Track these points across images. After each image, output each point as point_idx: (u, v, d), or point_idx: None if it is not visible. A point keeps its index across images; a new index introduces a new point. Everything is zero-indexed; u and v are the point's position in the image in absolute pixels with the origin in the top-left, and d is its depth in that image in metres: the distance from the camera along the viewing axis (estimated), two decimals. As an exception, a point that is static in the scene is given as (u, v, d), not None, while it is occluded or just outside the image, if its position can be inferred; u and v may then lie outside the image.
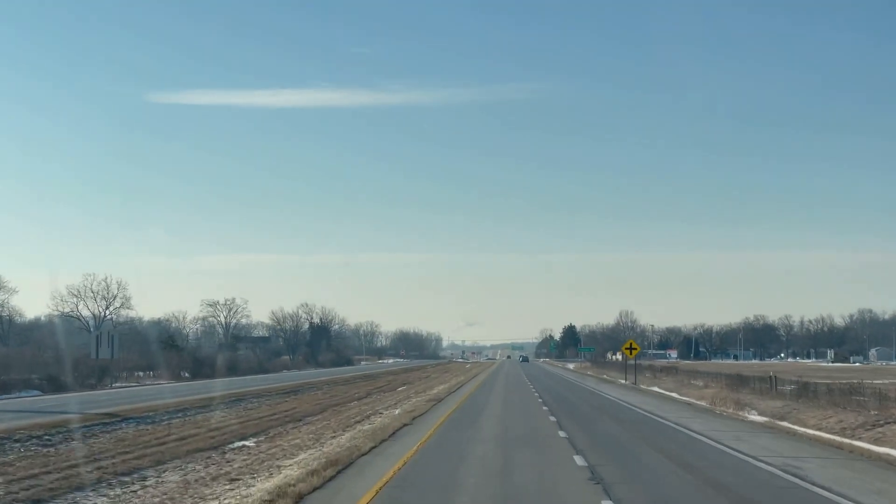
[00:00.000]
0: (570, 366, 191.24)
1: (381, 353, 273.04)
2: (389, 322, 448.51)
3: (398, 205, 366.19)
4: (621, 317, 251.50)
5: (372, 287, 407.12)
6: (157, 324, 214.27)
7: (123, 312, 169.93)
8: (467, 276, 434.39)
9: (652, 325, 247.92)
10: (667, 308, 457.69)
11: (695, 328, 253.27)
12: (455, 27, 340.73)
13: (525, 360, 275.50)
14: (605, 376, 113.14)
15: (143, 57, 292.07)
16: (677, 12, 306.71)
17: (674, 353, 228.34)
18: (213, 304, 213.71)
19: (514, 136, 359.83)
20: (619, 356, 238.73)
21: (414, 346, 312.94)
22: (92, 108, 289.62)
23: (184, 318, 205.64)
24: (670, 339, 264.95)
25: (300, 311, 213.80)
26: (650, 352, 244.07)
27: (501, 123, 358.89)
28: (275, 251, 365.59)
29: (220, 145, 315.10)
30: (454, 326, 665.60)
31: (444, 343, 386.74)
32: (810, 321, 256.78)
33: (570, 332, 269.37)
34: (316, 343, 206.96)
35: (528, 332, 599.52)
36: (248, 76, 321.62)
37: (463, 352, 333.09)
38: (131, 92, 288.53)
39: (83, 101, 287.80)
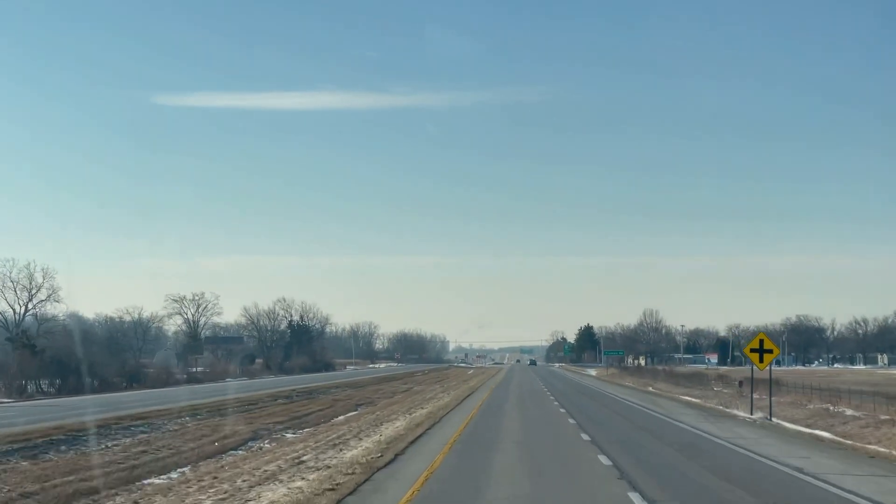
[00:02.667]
0: (592, 372, 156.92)
1: (374, 356, 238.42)
2: (396, 325, 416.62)
3: (405, 207, 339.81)
4: (645, 316, 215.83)
5: (377, 290, 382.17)
6: (106, 322, 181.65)
7: (51, 307, 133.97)
8: (475, 279, 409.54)
9: (682, 326, 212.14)
10: (687, 310, 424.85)
11: (729, 329, 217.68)
12: (462, 29, 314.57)
13: (533, 363, 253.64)
14: (651, 389, 79.01)
15: (149, 59, 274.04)
16: (691, 12, 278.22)
17: (713, 358, 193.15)
18: (179, 300, 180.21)
19: (522, 137, 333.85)
20: (642, 360, 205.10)
21: (414, 349, 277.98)
22: (98, 111, 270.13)
23: (139, 314, 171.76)
24: (699, 342, 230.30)
25: (277, 308, 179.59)
26: (678, 356, 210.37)
27: (509, 125, 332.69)
28: (278, 254, 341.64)
29: (225, 148, 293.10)
30: (461, 329, 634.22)
31: (451, 346, 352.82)
32: (847, 324, 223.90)
33: (586, 333, 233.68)
34: (296, 344, 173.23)
35: (537, 334, 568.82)
36: (253, 79, 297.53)
37: (466, 355, 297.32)
38: (138, 95, 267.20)
39: (89, 104, 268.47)
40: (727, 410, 43.00)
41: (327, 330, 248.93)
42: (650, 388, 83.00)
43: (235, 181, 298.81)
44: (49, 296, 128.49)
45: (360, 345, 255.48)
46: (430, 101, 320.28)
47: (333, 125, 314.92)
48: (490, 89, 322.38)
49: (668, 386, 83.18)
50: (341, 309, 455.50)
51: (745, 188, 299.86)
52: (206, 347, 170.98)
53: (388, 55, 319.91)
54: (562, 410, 39.24)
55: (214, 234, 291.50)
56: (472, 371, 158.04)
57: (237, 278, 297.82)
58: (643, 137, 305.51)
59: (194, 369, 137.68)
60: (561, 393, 60.11)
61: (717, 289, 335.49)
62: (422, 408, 45.68)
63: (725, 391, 73.73)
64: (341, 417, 45.41)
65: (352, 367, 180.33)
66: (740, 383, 76.15)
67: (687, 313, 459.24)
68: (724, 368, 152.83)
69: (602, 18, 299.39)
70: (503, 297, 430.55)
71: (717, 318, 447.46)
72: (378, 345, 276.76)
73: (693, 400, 58.08)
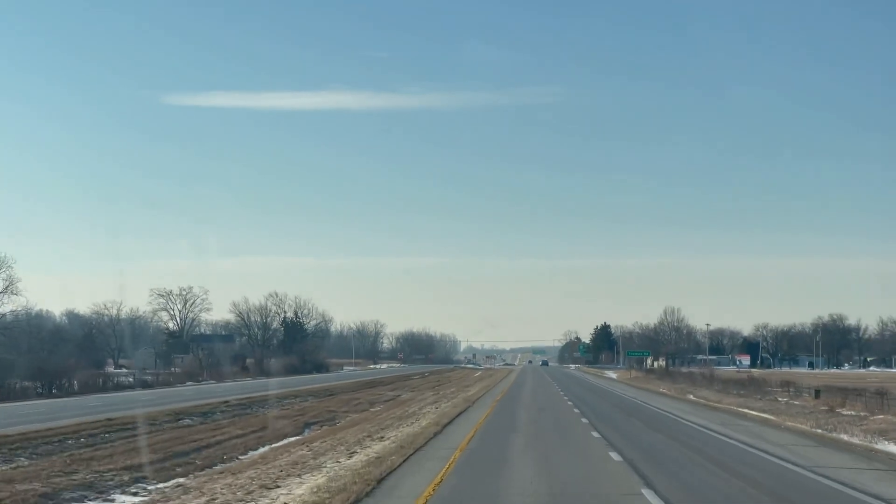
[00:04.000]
0: (612, 374, 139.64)
1: (376, 356, 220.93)
2: (406, 325, 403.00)
3: (414, 208, 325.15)
4: (665, 315, 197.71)
5: (389, 291, 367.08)
6: (85, 318, 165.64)
7: (9, 300, 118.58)
8: (485, 280, 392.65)
9: (708, 325, 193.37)
10: (706, 310, 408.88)
11: (757, 329, 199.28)
12: (474, 29, 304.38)
13: (545, 364, 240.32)
14: (692, 397, 62.42)
15: (159, 59, 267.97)
16: (704, 12, 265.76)
17: (745, 359, 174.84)
18: (166, 295, 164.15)
19: (536, 139, 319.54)
20: (662, 361, 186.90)
21: (422, 349, 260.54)
22: (107, 111, 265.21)
23: (118, 310, 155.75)
24: (722, 343, 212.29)
25: (269, 304, 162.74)
26: (701, 357, 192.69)
27: (524, 127, 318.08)
28: (287, 254, 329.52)
29: (234, 147, 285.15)
30: (473, 330, 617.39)
31: (463, 346, 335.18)
32: (874, 324, 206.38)
33: (603, 333, 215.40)
34: (289, 343, 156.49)
35: (550, 334, 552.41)
36: (264, 78, 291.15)
37: (474, 355, 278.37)
38: (148, 94, 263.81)
39: (98, 104, 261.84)
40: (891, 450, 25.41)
41: (332, 329, 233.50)
42: (691, 397, 66.24)
43: (245, 180, 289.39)
44: (6, 287, 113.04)
45: (367, 344, 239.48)
46: (440, 103, 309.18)
47: (341, 125, 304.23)
48: (503, 91, 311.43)
49: (714, 394, 66.07)
50: (350, 310, 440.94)
51: (763, 189, 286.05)
52: (193, 346, 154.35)
53: (398, 56, 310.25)
54: (614, 457, 21.28)
55: (220, 234, 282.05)
56: (479, 373, 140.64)
57: (243, 279, 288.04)
58: (662, 141, 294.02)
59: (174, 370, 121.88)
60: (593, 409, 42.57)
61: (736, 288, 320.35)
62: (382, 439, 28.64)
63: (795, 403, 56.53)
64: (258, 452, 28.64)
65: (350, 368, 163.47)
66: (817, 393, 58.80)
67: (706, 313, 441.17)
68: (756, 371, 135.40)
69: (615, 22, 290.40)
70: (515, 298, 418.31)
71: (738, 318, 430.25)
72: (386, 344, 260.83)
73: (769, 418, 40.95)
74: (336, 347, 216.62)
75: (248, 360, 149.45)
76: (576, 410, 38.89)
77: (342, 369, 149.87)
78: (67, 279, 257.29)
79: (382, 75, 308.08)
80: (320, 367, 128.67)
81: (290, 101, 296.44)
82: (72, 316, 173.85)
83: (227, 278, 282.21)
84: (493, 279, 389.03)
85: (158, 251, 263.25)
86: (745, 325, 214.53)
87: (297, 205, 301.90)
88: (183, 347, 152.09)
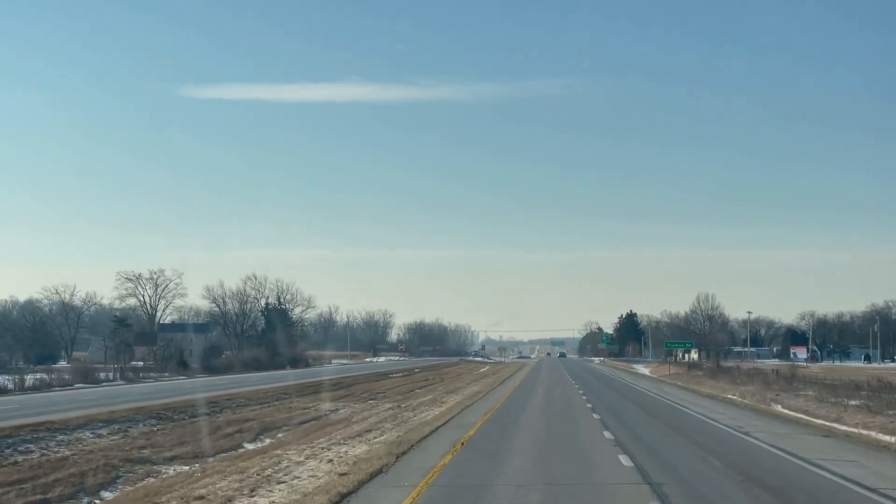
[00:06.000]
0: (643, 370, 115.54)
1: (376, 348, 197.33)
2: (420, 317, 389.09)
3: (428, 201, 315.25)
4: (699, 302, 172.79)
5: (404, 284, 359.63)
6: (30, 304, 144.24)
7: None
8: (503, 272, 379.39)
9: (749, 313, 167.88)
10: (736, 298, 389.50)
11: (801, 317, 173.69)
12: (487, 21, 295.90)
13: (562, 355, 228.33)
14: (781, 409, 39.42)
15: (175, 51, 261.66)
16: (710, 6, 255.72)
17: (802, 353, 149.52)
18: (134, 279, 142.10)
19: (552, 132, 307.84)
20: (695, 355, 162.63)
21: (433, 340, 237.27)
22: (122, 102, 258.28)
23: (70, 294, 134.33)
24: (760, 334, 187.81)
25: (247, 288, 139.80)
26: (737, 349, 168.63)
27: (534, 120, 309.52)
28: (300, 247, 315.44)
29: (247, 139, 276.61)
30: (491, 321, 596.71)
31: (481, 338, 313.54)
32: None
33: (628, 322, 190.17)
34: (271, 332, 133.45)
35: (570, 324, 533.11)
36: (278, 70, 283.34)
37: (483, 347, 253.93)
38: (163, 86, 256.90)
39: (113, 95, 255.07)
40: None
41: (338, 320, 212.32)
42: (779, 408, 43.22)
43: (257, 172, 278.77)
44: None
45: (373, 335, 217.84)
46: (454, 96, 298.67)
47: (356, 117, 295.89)
48: (518, 85, 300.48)
49: (814, 405, 41.60)
50: (366, 304, 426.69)
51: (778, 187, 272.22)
52: (164, 337, 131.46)
53: (413, 48, 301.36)
54: None
55: (231, 226, 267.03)
56: (485, 368, 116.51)
57: (253, 271, 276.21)
58: (682, 137, 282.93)
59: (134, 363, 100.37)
60: (702, 495, 18.11)
61: (765, 278, 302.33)
62: None
63: None
64: None
65: (342, 362, 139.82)
66: None
67: (734, 303, 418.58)
68: (815, 366, 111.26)
69: (628, 16, 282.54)
70: (534, 289, 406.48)
71: (768, 308, 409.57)
72: (396, 335, 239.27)
73: None
74: (343, 339, 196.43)
75: (225, 353, 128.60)
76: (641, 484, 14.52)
77: (329, 363, 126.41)
78: (64, 271, 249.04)
79: (396, 68, 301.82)
80: (296, 361, 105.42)
81: (304, 93, 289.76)
82: (59, 306, 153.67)
83: (233, 270, 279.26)
84: (510, 271, 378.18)
85: (165, 244, 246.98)
86: (780, 315, 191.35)
87: (311, 197, 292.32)
88: (150, 339, 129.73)
